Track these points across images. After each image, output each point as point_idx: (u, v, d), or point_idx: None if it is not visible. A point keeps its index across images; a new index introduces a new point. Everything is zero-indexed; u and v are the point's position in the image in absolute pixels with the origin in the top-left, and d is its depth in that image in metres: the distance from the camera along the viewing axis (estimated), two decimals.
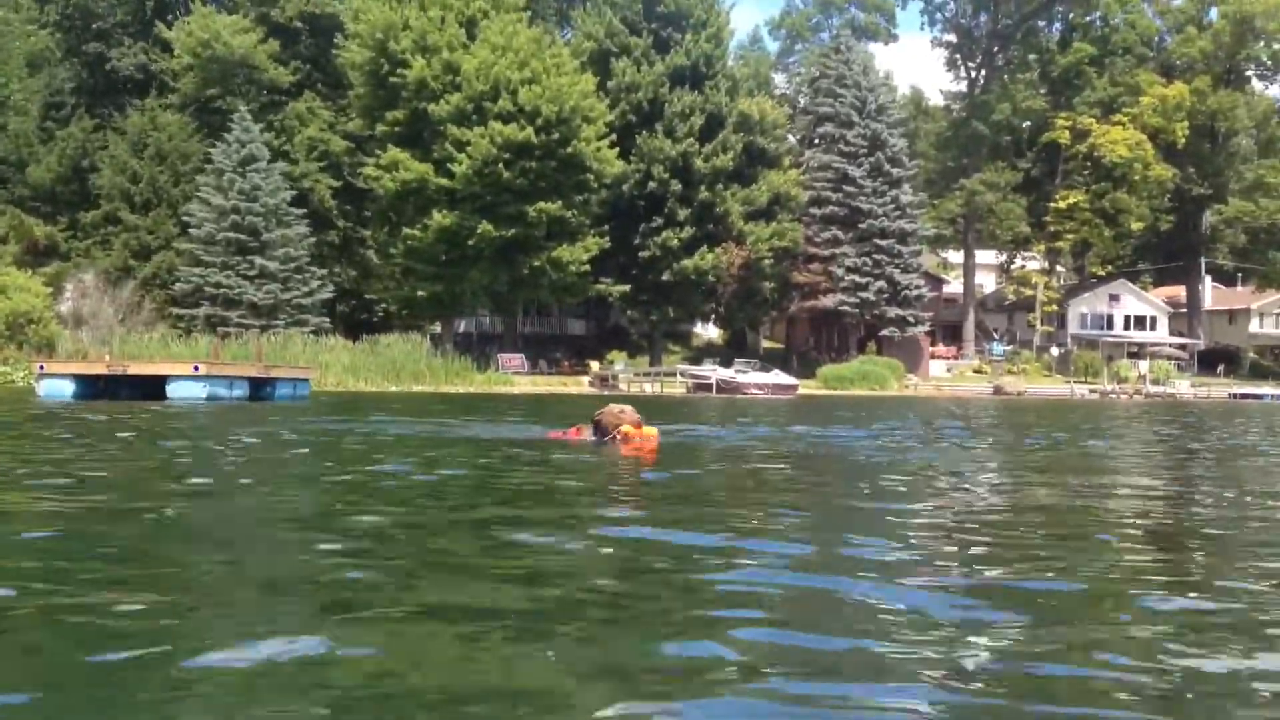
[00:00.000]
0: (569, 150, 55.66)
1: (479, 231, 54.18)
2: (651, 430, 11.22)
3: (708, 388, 53.81)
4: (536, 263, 56.09)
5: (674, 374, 57.22)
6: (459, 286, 56.66)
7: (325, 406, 23.31)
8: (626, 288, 62.09)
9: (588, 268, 58.12)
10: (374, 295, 60.90)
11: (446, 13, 57.09)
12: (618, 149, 59.28)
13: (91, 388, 25.42)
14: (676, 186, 61.90)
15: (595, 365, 59.33)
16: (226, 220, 54.42)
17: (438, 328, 61.41)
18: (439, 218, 54.40)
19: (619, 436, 10.79)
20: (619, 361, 60.04)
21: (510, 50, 55.96)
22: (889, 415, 24.29)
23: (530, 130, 54.26)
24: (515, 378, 53.97)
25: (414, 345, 49.83)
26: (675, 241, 61.70)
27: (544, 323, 70.93)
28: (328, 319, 55.90)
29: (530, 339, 66.30)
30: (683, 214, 62.14)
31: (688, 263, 61.68)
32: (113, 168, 59.08)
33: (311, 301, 55.57)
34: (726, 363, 60.32)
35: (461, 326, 66.09)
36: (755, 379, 55.96)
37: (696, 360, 65.09)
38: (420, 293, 57.07)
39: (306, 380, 30.91)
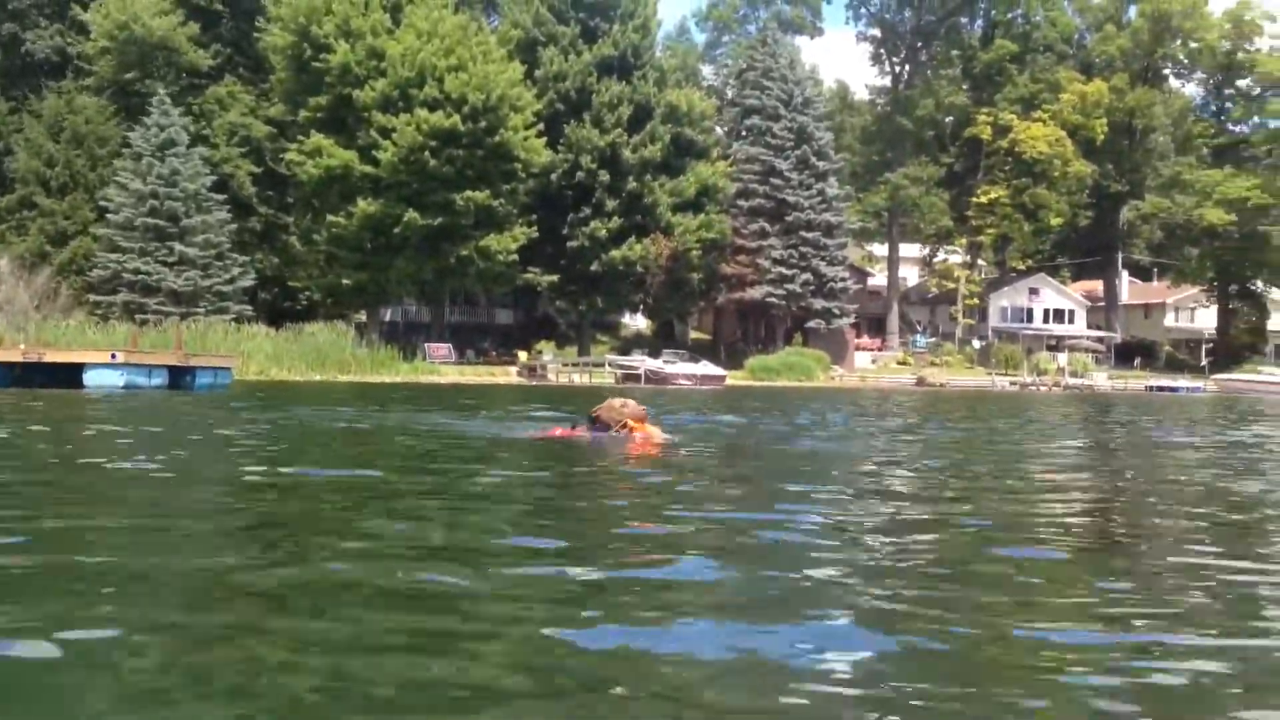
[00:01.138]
0: (496, 139, 55.28)
1: (405, 220, 53.62)
2: (655, 430, 10.68)
3: (636, 378, 53.88)
4: (464, 252, 55.62)
5: (602, 364, 57.11)
6: (385, 275, 56.04)
7: (260, 396, 22.89)
8: (555, 277, 61.85)
9: (516, 257, 57.80)
10: (297, 283, 59.91)
11: None
12: (545, 138, 59.04)
13: (6, 375, 24.76)
14: (605, 177, 61.75)
15: (523, 355, 58.99)
16: (145, 205, 53.22)
17: (363, 316, 60.65)
18: (364, 205, 53.75)
19: (623, 432, 10.20)
20: (547, 351, 59.74)
21: (436, 37, 55.45)
22: (811, 405, 24.49)
23: (457, 118, 53.79)
24: (442, 367, 53.61)
25: (339, 334, 49.30)
26: (603, 232, 61.56)
27: (471, 312, 70.38)
28: (249, 307, 54.92)
29: (457, 328, 65.77)
30: (611, 204, 62.02)
31: (616, 253, 61.57)
32: (28, 151, 57.48)
33: (233, 289, 54.58)
34: (655, 353, 60.56)
35: (387, 315, 65.36)
36: (683, 369, 56.25)
37: (625, 350, 65.09)
38: (345, 281, 56.36)
39: (228, 369, 30.37)
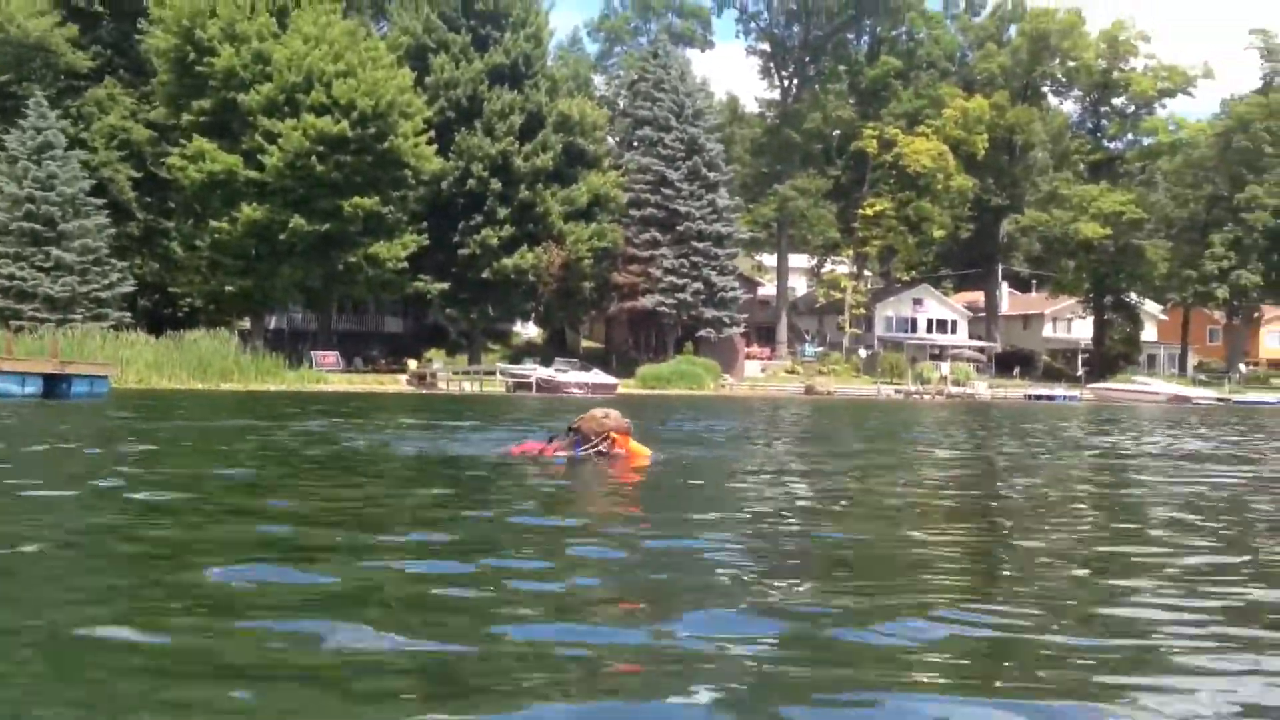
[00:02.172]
0: (385, 145, 54.80)
1: (291, 226, 52.79)
2: (641, 448, 9.86)
3: (528, 386, 53.73)
4: (352, 259, 54.97)
5: (493, 372, 56.88)
6: (270, 282, 55.07)
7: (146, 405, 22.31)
8: (445, 285, 61.39)
9: (405, 265, 57.27)
10: (179, 289, 58.48)
11: (257, 1, 55.48)
12: (436, 146, 58.68)
13: None
14: (496, 185, 61.54)
15: (413, 363, 58.47)
16: (20, 210, 51.52)
17: (247, 324, 59.48)
18: (248, 211, 52.75)
19: (607, 447, 9.40)
20: (437, 360, 59.34)
21: (324, 42, 54.77)
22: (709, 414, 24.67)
23: (345, 124, 53.18)
24: (330, 375, 52.78)
25: (222, 341, 48.14)
26: (495, 240, 61.33)
27: (359, 320, 69.54)
28: (129, 313, 53.46)
29: (345, 336, 64.94)
30: (503, 213, 61.82)
31: (507, 261, 61.39)
32: None
33: (111, 295, 53.02)
34: (546, 362, 60.37)
35: (273, 323, 64.27)
36: (575, 378, 56.14)
37: (516, 359, 64.87)
38: (228, 287, 55.24)
39: (105, 377, 29.54)
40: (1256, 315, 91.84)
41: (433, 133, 58.53)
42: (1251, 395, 75.69)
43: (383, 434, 14.14)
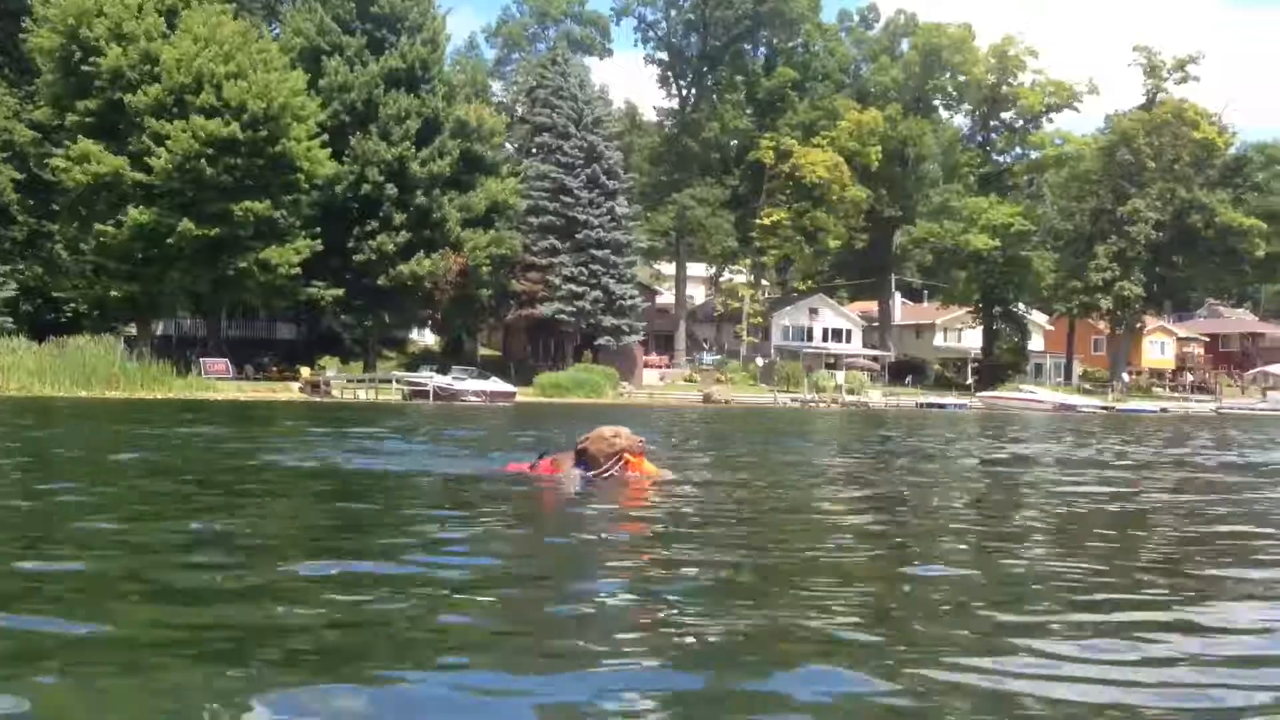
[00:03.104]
0: (277, 148, 53.74)
1: (179, 230, 51.44)
2: (654, 468, 9.06)
3: (424, 394, 53.27)
4: (243, 264, 53.77)
5: (389, 381, 56.17)
6: (157, 287, 53.70)
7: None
8: (340, 292, 60.35)
9: (298, 270, 56.19)
10: (62, 294, 56.69)
11: (145, 0, 54.11)
12: (330, 149, 57.78)
13: None
14: (392, 190, 60.78)
15: (306, 371, 57.31)
16: None
17: (133, 330, 57.89)
18: (135, 214, 51.30)
19: (619, 470, 8.57)
20: (331, 367, 58.30)
21: (214, 43, 53.63)
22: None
23: (235, 126, 52.07)
24: (219, 383, 51.61)
25: (107, 348, 46.77)
26: (391, 246, 60.54)
27: (250, 326, 68.10)
28: (9, 319, 51.79)
29: (236, 343, 63.49)
30: (399, 218, 61.06)
31: (404, 268, 60.64)
32: None
33: None
34: (443, 370, 59.83)
35: (160, 329, 62.65)
36: (473, 386, 55.90)
37: (412, 367, 64.11)
38: (114, 293, 53.62)
39: None
40: (1139, 325, 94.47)
41: (326, 136, 57.62)
42: (1134, 403, 77.93)
43: (337, 449, 13.20)
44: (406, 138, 61.71)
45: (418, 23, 64.71)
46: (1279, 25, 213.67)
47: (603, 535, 6.12)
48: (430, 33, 65.38)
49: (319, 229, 58.01)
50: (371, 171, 60.44)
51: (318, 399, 49.40)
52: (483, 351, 75.93)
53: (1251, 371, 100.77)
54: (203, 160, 51.50)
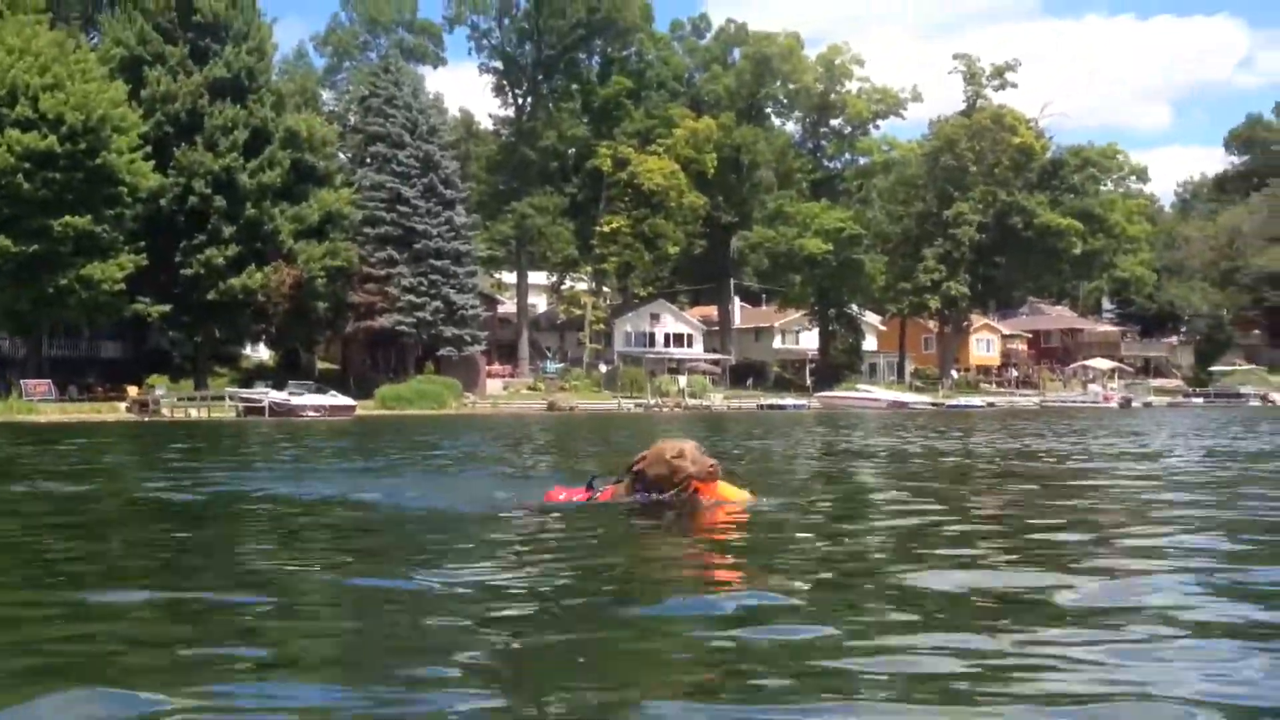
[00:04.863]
0: (98, 161, 51.80)
1: None
2: (735, 491, 7.35)
3: (260, 411, 52.09)
4: (63, 281, 51.61)
5: (222, 397, 54.72)
6: None
7: None
8: (167, 308, 58.36)
9: (123, 286, 54.17)
10: None
11: None
12: (154, 161, 55.93)
13: None
14: (220, 202, 59.01)
15: (133, 390, 55.30)
16: None
17: None
18: None
19: (685, 496, 6.98)
20: (160, 386, 56.36)
21: (29, 53, 51.54)
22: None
23: (54, 139, 50.08)
24: (41, 405, 49.47)
25: None
26: (220, 259, 58.74)
27: (73, 345, 65.23)
28: None
29: (58, 363, 60.73)
30: (228, 231, 59.29)
31: (234, 281, 58.90)
32: None
33: None
34: (279, 385, 58.41)
35: None
36: (311, 401, 54.81)
37: (247, 383, 62.35)
38: None
39: None
40: (966, 324, 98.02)
41: (150, 148, 55.80)
42: (962, 399, 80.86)
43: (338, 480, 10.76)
44: (234, 148, 60.04)
45: (243, 31, 63.16)
46: (1092, 33, 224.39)
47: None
48: (256, 41, 63.90)
49: (144, 243, 56.04)
50: (198, 183, 58.60)
51: (147, 419, 47.80)
52: (321, 365, 74.36)
53: (1072, 366, 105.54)
54: (19, 175, 49.47)
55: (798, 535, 6.27)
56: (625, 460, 7.68)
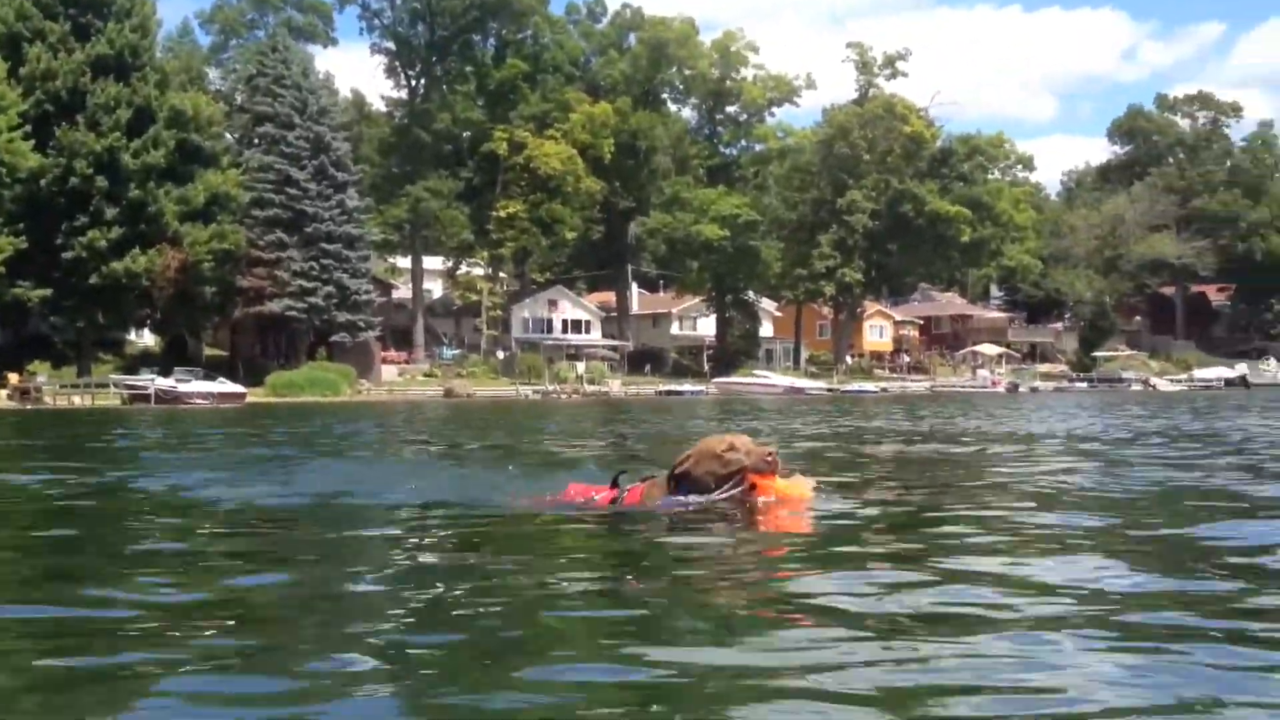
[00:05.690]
0: None
1: None
2: (796, 484, 6.48)
3: (146, 398, 51.04)
4: None
5: (107, 385, 53.34)
6: None
7: None
8: (48, 292, 56.52)
9: (1, 270, 52.40)
10: None
11: None
12: (34, 141, 54.20)
13: None
14: (103, 183, 57.24)
15: (14, 377, 53.51)
16: None
17: None
18: None
19: (741, 494, 6.18)
20: (41, 373, 54.63)
21: None
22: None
23: None
24: None
25: None
26: (103, 242, 57.00)
27: None
28: None
29: None
30: (111, 213, 57.59)
31: (118, 265, 57.21)
32: None
33: None
34: (166, 371, 57.06)
35: None
36: (198, 388, 53.82)
37: (132, 369, 60.61)
38: None
39: None
40: (860, 310, 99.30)
41: (29, 128, 54.09)
42: (856, 385, 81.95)
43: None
44: (117, 128, 58.31)
45: (126, 8, 61.39)
46: (981, 24, 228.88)
47: None
48: (140, 18, 62.20)
49: (23, 225, 54.31)
50: (80, 164, 56.75)
51: (29, 407, 46.30)
52: (209, 351, 72.61)
53: (962, 351, 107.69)
54: None
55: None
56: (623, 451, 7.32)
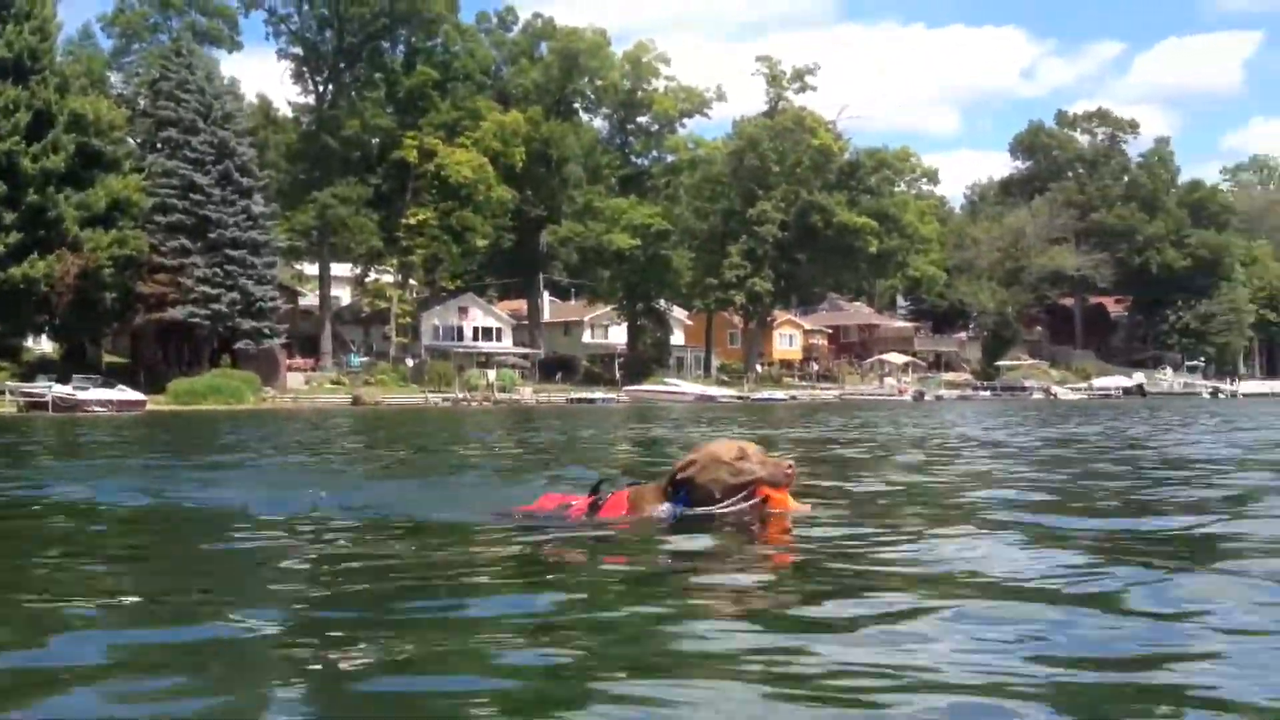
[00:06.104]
0: None
1: None
2: (793, 501, 5.85)
3: (43, 406, 50.06)
4: None
5: (3, 392, 52.20)
6: None
7: None
8: None
9: None
10: None
11: None
12: None
13: None
14: (1, 188, 55.99)
15: None
16: None
17: None
18: None
19: (750, 507, 5.61)
20: None
21: None
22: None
23: None
24: None
25: None
26: (1, 248, 55.75)
27: None
28: None
29: None
30: (9, 218, 56.47)
31: (15, 271, 56.01)
32: None
33: None
34: (64, 379, 55.88)
35: None
36: (97, 395, 52.83)
37: (29, 377, 59.21)
38: None
39: None
40: (769, 319, 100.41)
41: None
42: (766, 393, 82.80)
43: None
44: (15, 131, 57.18)
45: (25, 10, 60.18)
46: (888, 39, 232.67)
47: None
48: (40, 20, 60.97)
49: None
50: None
51: None
52: (110, 358, 71.14)
53: (869, 360, 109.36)
54: None
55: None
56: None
